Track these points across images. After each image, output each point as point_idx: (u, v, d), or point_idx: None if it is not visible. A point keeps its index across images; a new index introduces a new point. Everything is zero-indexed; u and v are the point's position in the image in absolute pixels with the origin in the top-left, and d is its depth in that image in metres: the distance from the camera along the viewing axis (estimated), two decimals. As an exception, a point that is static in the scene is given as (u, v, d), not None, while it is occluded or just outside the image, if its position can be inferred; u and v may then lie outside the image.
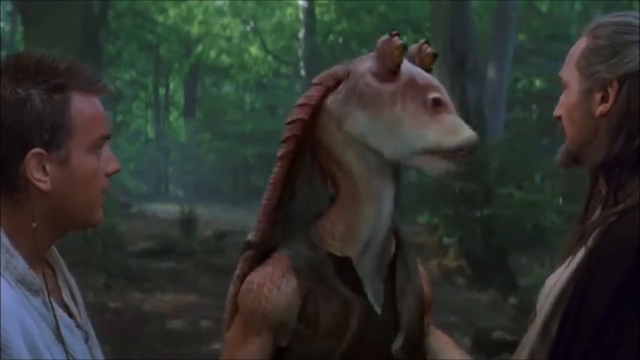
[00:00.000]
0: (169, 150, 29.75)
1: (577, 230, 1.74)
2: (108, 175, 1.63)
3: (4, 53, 19.05)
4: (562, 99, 1.81)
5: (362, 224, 1.67)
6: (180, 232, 13.39)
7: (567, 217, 10.09)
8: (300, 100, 1.71)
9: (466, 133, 1.58)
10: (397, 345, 1.70)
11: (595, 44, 1.74)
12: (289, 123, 1.70)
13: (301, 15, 22.36)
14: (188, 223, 13.56)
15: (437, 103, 1.59)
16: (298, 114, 1.69)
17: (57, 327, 1.56)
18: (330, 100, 1.67)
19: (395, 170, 1.67)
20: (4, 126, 1.51)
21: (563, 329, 1.62)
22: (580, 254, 1.67)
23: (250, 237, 1.74)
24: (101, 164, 1.61)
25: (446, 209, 11.15)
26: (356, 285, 1.68)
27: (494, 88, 13.91)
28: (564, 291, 1.66)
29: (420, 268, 1.82)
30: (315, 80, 1.72)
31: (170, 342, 7.49)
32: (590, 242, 1.65)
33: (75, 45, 9.92)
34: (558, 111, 1.82)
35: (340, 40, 23.54)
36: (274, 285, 1.68)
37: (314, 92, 1.70)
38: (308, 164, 1.73)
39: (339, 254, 1.68)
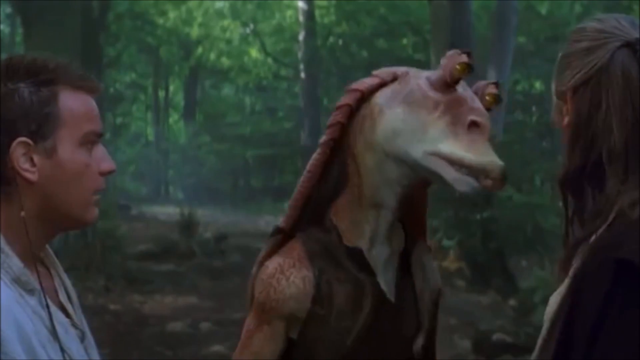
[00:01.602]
0: (169, 152, 29.76)
1: (565, 250, 1.70)
2: (102, 174, 1.63)
3: (4, 55, 18.99)
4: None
5: (364, 224, 1.70)
6: (180, 234, 13.38)
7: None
8: (353, 85, 1.71)
9: (492, 157, 1.58)
10: (418, 344, 1.72)
11: (563, 53, 1.69)
12: (337, 108, 1.70)
13: (301, 18, 22.37)
14: (188, 225, 13.55)
15: (475, 125, 1.59)
16: (346, 100, 1.70)
17: (53, 326, 1.57)
18: (379, 94, 1.68)
19: (405, 190, 1.69)
20: None
21: (557, 349, 1.60)
22: (571, 271, 1.63)
23: (280, 222, 1.77)
24: (94, 161, 1.61)
25: (446, 211, 11.15)
26: (369, 271, 1.70)
27: (494, 90, 13.90)
28: (557, 312, 1.62)
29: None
30: (374, 72, 1.72)
31: (170, 344, 7.48)
32: (577, 259, 1.61)
33: (75, 48, 9.93)
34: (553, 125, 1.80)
35: (340, 42, 23.54)
36: (283, 275, 1.70)
37: (368, 81, 1.70)
38: (345, 153, 1.72)
39: (349, 245, 1.70)
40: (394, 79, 1.67)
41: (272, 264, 1.72)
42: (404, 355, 1.74)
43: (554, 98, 1.71)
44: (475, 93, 1.66)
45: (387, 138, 1.64)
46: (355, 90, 1.69)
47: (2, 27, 22.78)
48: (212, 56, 26.34)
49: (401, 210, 1.72)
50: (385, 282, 1.72)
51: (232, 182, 27.33)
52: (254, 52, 25.99)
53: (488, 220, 11.09)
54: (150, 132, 33.13)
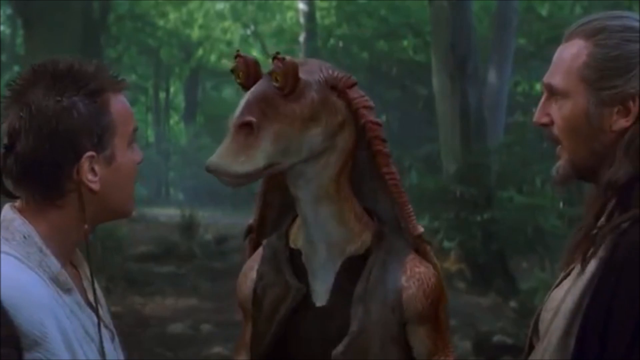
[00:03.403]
0: (170, 154, 29.75)
1: (579, 241, 1.65)
2: (138, 164, 1.70)
3: (4, 56, 19.07)
4: (557, 108, 1.69)
5: (301, 223, 1.75)
6: (180, 235, 13.38)
7: (568, 220, 10.08)
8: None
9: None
10: (337, 350, 1.67)
11: (604, 53, 1.63)
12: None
13: (301, 19, 22.35)
14: (188, 227, 13.55)
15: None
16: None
17: (97, 325, 1.62)
18: None
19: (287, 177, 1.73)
20: (56, 134, 1.55)
21: (585, 342, 1.54)
22: (592, 264, 1.59)
23: (250, 220, 1.89)
24: (135, 155, 1.68)
25: (447, 212, 11.15)
26: (303, 275, 1.74)
27: (495, 92, 13.89)
28: (578, 305, 1.58)
29: (421, 279, 1.74)
30: None
31: (171, 345, 7.48)
32: (602, 252, 1.57)
33: (76, 49, 9.91)
34: (544, 118, 1.71)
35: (341, 44, 23.52)
36: (245, 277, 1.82)
37: None
38: (365, 160, 1.76)
39: (292, 246, 1.77)
40: None
41: (246, 264, 1.85)
42: None
43: (584, 98, 1.64)
44: None
45: None
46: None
47: (2, 28, 22.77)
48: (213, 57, 26.33)
49: (332, 203, 1.70)
50: (321, 285, 1.72)
51: (232, 184, 27.28)
52: (255, 54, 25.97)
53: (489, 222, 11.08)
54: (150, 133, 33.12)
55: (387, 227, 1.76)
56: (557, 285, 1.72)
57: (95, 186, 1.59)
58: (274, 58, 1.64)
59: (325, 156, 1.69)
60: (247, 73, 1.69)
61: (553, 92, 1.70)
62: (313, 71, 1.69)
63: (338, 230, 1.72)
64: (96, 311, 1.65)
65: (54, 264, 1.57)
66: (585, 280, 1.59)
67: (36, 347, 1.47)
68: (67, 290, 1.59)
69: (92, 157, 1.57)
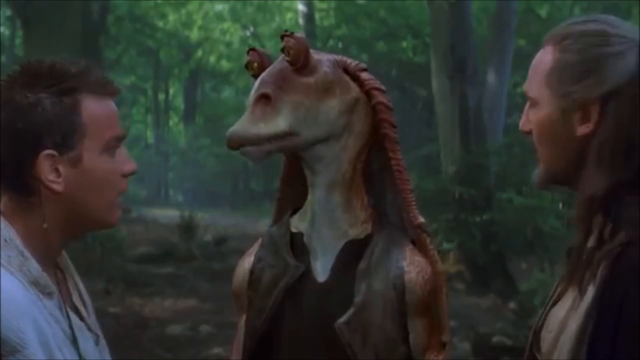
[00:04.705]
0: (169, 155, 29.78)
1: (574, 264, 1.61)
2: (125, 175, 1.65)
3: (3, 57, 19.05)
4: (531, 115, 1.68)
5: (308, 206, 1.77)
6: (180, 237, 13.38)
7: (567, 222, 10.07)
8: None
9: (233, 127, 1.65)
10: (341, 321, 1.69)
11: (565, 59, 1.61)
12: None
13: (301, 21, 22.36)
14: (188, 228, 13.55)
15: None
16: None
17: (71, 329, 1.58)
18: None
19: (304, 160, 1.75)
20: (16, 129, 1.54)
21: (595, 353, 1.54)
22: (590, 290, 1.56)
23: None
24: (117, 164, 1.62)
25: (446, 213, 11.14)
26: (303, 256, 1.76)
27: (494, 93, 13.90)
28: (582, 330, 1.55)
29: (420, 266, 1.75)
30: None
31: (170, 346, 7.48)
32: (600, 277, 1.54)
33: (75, 50, 9.92)
34: (526, 126, 1.70)
35: (340, 45, 23.51)
36: (241, 264, 1.84)
37: None
38: (375, 155, 1.79)
39: (294, 230, 1.79)
40: None
41: (244, 255, 1.86)
42: (332, 337, 1.69)
43: (550, 105, 1.63)
44: None
45: None
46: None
47: (2, 29, 22.77)
48: (212, 59, 26.36)
49: (345, 189, 1.74)
50: (321, 264, 1.75)
51: (232, 185, 27.32)
52: (254, 55, 25.96)
53: (488, 223, 11.09)
54: (150, 134, 33.15)
55: (388, 219, 1.79)
56: (555, 303, 1.70)
57: (57, 187, 1.55)
58: (284, 36, 1.67)
59: (344, 137, 1.72)
60: (261, 64, 1.71)
61: (529, 100, 1.70)
62: (323, 54, 1.75)
63: (344, 216, 1.75)
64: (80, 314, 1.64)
65: (35, 267, 1.55)
66: (585, 306, 1.56)
67: (15, 353, 1.46)
68: (48, 294, 1.57)
69: (52, 155, 1.54)
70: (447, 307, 1.79)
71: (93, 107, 1.58)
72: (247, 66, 1.73)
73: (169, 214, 16.09)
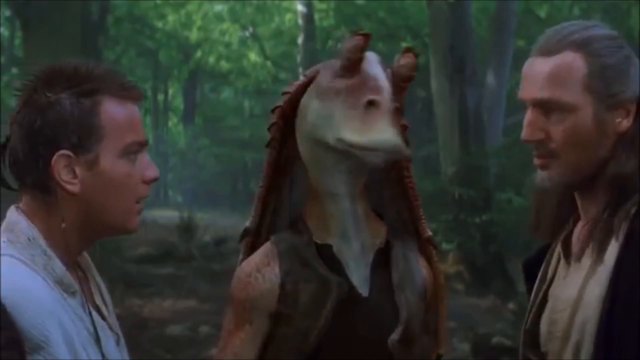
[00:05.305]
0: (168, 156, 29.74)
1: (589, 232, 1.70)
2: (146, 182, 1.64)
3: (3, 58, 19.05)
4: (555, 122, 1.70)
5: (329, 219, 1.73)
6: (179, 237, 13.37)
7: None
8: (284, 89, 1.77)
9: (386, 135, 1.59)
10: (394, 336, 1.70)
11: (601, 62, 1.67)
12: (272, 111, 1.78)
13: (300, 21, 22.36)
14: (187, 229, 13.55)
15: (371, 104, 1.61)
16: (278, 103, 1.77)
17: (94, 328, 1.59)
18: (306, 92, 1.74)
19: (350, 168, 1.69)
20: (34, 128, 1.55)
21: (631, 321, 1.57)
22: (611, 251, 1.63)
23: (247, 223, 1.84)
24: (136, 169, 1.62)
25: (445, 214, 11.15)
26: (337, 269, 1.73)
27: (493, 93, 13.90)
28: (611, 289, 1.61)
29: (425, 269, 1.81)
30: (304, 72, 1.78)
31: (170, 347, 7.48)
32: (620, 238, 1.63)
33: (74, 51, 9.90)
34: (539, 134, 1.72)
35: (339, 46, 23.52)
36: (260, 274, 1.75)
37: (297, 83, 1.76)
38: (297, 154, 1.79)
39: (319, 242, 1.74)
40: (317, 74, 1.74)
41: (249, 263, 1.78)
42: (382, 352, 1.72)
43: (591, 108, 1.68)
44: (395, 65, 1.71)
45: (311, 130, 1.69)
46: (285, 92, 1.77)
47: (1, 29, 22.76)
48: (211, 59, 26.32)
49: (361, 199, 1.74)
50: (358, 277, 1.73)
51: (231, 186, 27.31)
52: (253, 56, 25.97)
53: (487, 224, 11.09)
54: (149, 135, 33.12)
55: (391, 224, 1.82)
56: (548, 287, 1.74)
57: (72, 188, 1.56)
58: (407, 51, 1.71)
59: None
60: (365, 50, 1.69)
61: (551, 107, 1.70)
62: None
63: (368, 225, 1.76)
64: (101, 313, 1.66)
65: (59, 266, 1.57)
66: (609, 266, 1.62)
67: (39, 350, 1.47)
68: (72, 293, 1.58)
69: (67, 156, 1.55)
70: (445, 318, 1.84)
71: (113, 110, 1.58)
72: (354, 50, 1.67)
73: (168, 215, 16.06)
